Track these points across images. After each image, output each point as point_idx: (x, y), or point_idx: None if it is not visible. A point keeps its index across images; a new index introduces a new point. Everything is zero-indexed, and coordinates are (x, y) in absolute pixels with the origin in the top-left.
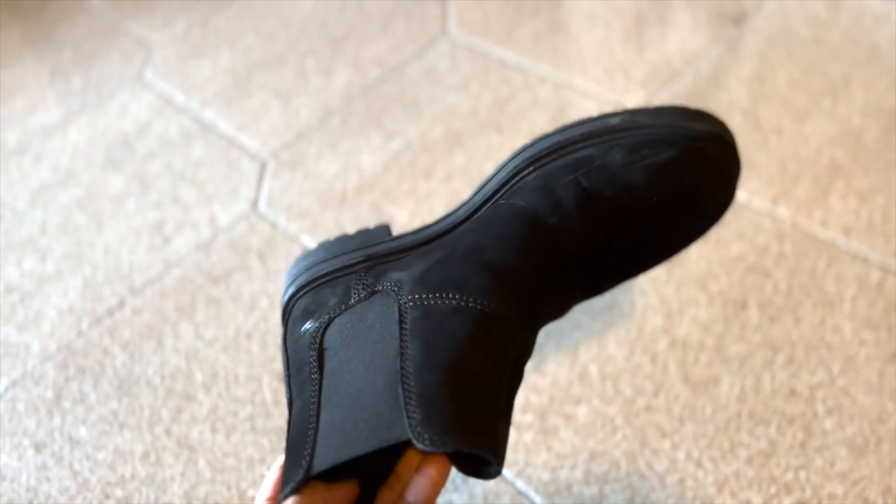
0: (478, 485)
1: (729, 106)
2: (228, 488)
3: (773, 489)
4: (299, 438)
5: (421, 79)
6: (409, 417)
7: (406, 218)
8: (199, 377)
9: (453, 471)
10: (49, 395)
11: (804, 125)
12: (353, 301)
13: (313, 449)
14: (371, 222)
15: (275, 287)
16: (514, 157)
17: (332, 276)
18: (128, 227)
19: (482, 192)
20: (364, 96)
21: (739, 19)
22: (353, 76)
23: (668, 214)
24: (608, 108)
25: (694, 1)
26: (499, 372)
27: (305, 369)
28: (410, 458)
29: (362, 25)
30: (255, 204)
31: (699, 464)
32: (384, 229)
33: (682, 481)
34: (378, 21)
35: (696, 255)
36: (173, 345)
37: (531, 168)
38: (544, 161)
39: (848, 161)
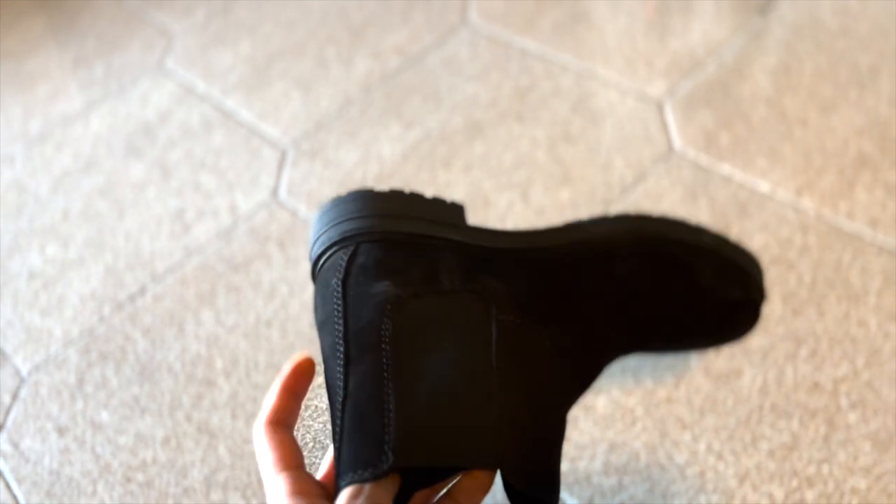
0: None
1: (753, 96)
2: (248, 474)
3: (794, 483)
4: (373, 417)
5: (441, 68)
6: (504, 450)
7: None
8: (219, 363)
9: None
10: (71, 379)
11: (830, 116)
12: (444, 287)
13: (395, 438)
14: None
15: (294, 275)
16: (619, 220)
17: (410, 240)
18: (149, 214)
19: (579, 231)
20: (384, 86)
21: (764, 9)
22: (372, 65)
23: (701, 330)
24: (630, 99)
25: None
26: (565, 415)
27: (374, 333)
28: (471, 484)
29: (382, 15)
30: (275, 192)
31: (720, 456)
32: (460, 211)
33: (702, 473)
34: (398, 10)
35: None
36: (194, 331)
37: (628, 239)
38: (643, 235)
39: (875, 152)
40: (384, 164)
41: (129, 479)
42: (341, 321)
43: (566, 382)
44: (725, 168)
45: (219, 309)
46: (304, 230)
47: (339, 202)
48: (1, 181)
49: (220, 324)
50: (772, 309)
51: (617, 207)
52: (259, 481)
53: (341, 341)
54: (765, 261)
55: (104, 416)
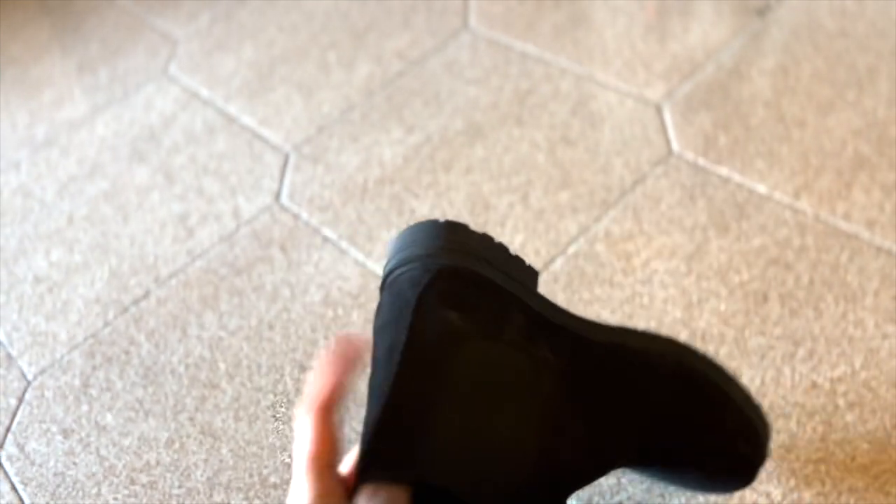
0: None
1: (751, 98)
2: (251, 475)
3: (792, 482)
4: (408, 425)
5: (442, 72)
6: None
7: (427, 211)
8: (222, 366)
9: None
10: (76, 382)
11: (828, 118)
12: (506, 337)
13: (428, 452)
14: (392, 215)
15: (296, 278)
16: (669, 343)
17: (487, 285)
18: (153, 218)
19: (629, 335)
20: (385, 90)
21: (763, 11)
22: (374, 70)
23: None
24: (629, 101)
25: None
26: None
27: (432, 354)
28: None
29: (384, 19)
30: (277, 196)
31: None
32: (534, 276)
33: None
34: (399, 15)
35: (716, 247)
36: (197, 334)
37: (670, 361)
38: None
39: (872, 154)
40: (385, 167)
41: (133, 481)
42: (405, 331)
43: (578, 464)
44: (724, 170)
45: (222, 312)
46: (307, 234)
47: (433, 226)
48: (7, 186)
49: (223, 327)
50: (770, 309)
51: (617, 210)
52: (261, 483)
53: (400, 349)
54: (763, 262)
55: (109, 418)
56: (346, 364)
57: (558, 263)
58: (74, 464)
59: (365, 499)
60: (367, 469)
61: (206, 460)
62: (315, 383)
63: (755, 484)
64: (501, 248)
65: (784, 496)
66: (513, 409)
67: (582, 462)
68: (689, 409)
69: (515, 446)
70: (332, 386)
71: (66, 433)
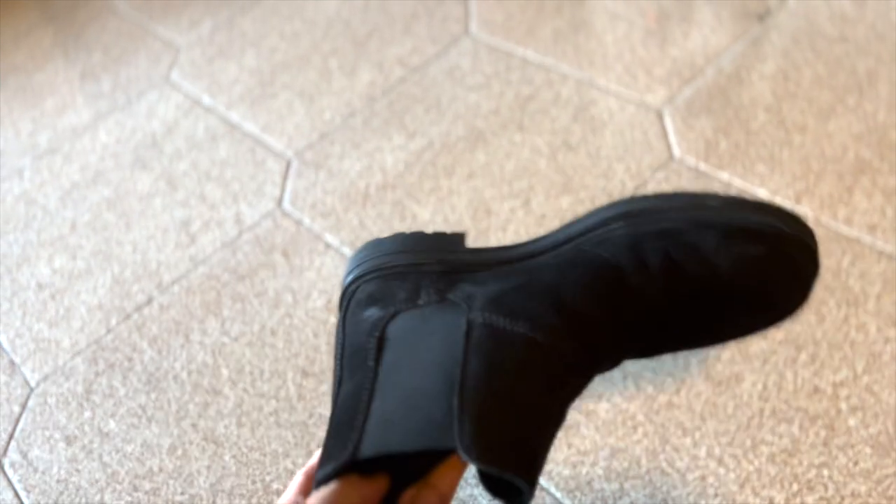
0: None
1: (752, 103)
2: (253, 482)
3: (795, 487)
4: (346, 421)
5: (443, 78)
6: (460, 429)
7: (428, 216)
8: (225, 372)
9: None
10: (79, 389)
11: (829, 122)
12: (421, 301)
13: (361, 434)
14: (394, 220)
15: (298, 284)
16: (604, 208)
17: (402, 270)
18: (155, 225)
19: (565, 231)
20: (387, 96)
21: (763, 16)
22: (375, 76)
23: (743, 304)
24: (630, 107)
25: None
26: (549, 407)
27: (361, 354)
28: (445, 469)
29: (385, 26)
30: (279, 202)
31: (721, 461)
32: (460, 238)
33: (703, 478)
34: (400, 22)
35: None
36: (200, 340)
37: (621, 223)
38: (635, 221)
39: (873, 158)
40: (387, 173)
41: (135, 488)
42: (340, 351)
43: (556, 375)
44: (725, 175)
45: (224, 318)
46: (309, 240)
47: (352, 255)
48: (10, 194)
49: (226, 333)
50: None
51: None
52: (264, 489)
53: (338, 367)
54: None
55: (111, 425)
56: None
57: None
58: (77, 470)
59: (316, 497)
60: (317, 473)
61: (208, 467)
62: (299, 474)
63: (758, 488)
64: (415, 235)
65: (787, 501)
66: (439, 353)
67: (564, 371)
68: (654, 260)
69: (447, 382)
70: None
71: (69, 440)
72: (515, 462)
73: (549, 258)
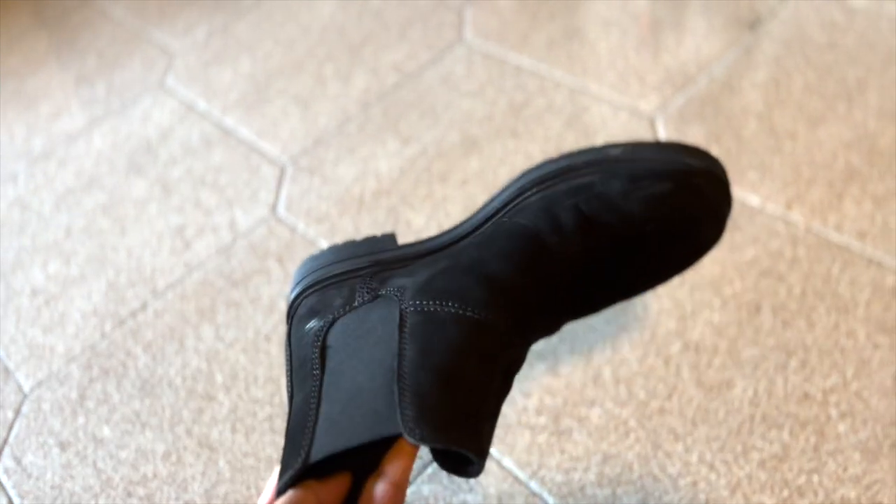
0: (491, 486)
1: (743, 111)
2: (248, 487)
3: (785, 493)
4: (298, 430)
5: (437, 85)
6: (402, 414)
7: (423, 222)
8: (219, 378)
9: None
10: (73, 395)
11: (819, 130)
12: (356, 303)
13: (311, 440)
14: (388, 227)
15: None
16: (518, 179)
17: (338, 279)
18: (150, 230)
19: (486, 210)
20: (381, 102)
21: (754, 24)
22: (370, 82)
23: (660, 244)
24: (623, 114)
25: (709, 6)
26: (488, 379)
27: (307, 365)
28: (395, 453)
29: (380, 32)
30: (274, 208)
31: (712, 467)
32: (390, 238)
33: (694, 484)
34: (395, 28)
35: (710, 259)
36: (194, 346)
37: (535, 189)
38: (547, 184)
39: (863, 165)
40: (382, 179)
41: (130, 494)
42: (289, 366)
43: (491, 347)
44: None
45: (219, 324)
46: (303, 246)
47: (294, 272)
48: (4, 199)
49: (220, 339)
50: (762, 320)
51: None
52: (258, 495)
53: (289, 382)
54: (755, 273)
55: (106, 431)
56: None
57: None
58: (71, 476)
59: None
60: (277, 484)
61: (203, 473)
62: (269, 485)
63: (749, 494)
64: (345, 245)
65: None
66: (377, 348)
67: (499, 346)
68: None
69: (386, 373)
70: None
71: (62, 446)
72: (459, 436)
73: (472, 238)
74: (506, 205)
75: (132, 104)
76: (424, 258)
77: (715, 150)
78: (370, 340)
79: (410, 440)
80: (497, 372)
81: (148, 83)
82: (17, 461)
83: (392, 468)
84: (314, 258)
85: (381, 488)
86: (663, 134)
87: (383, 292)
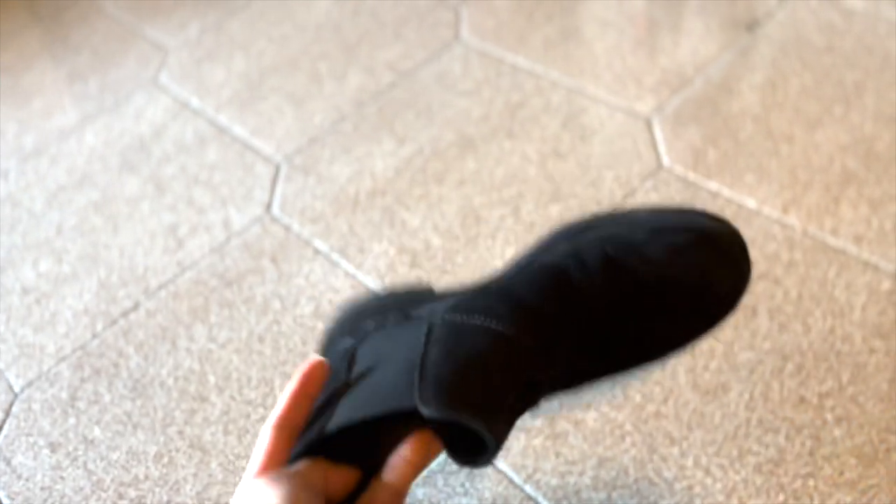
0: (486, 489)
1: (740, 113)
2: None
3: (781, 497)
4: (318, 413)
5: (433, 84)
6: (421, 389)
7: (418, 222)
8: (211, 379)
9: (461, 474)
10: (64, 395)
11: (816, 133)
12: (388, 324)
13: (330, 418)
14: (384, 227)
15: (287, 290)
16: (546, 236)
17: (374, 310)
18: (143, 229)
19: (517, 260)
20: (377, 101)
21: (752, 27)
22: (366, 81)
23: (680, 294)
24: (619, 115)
25: (706, 8)
26: (511, 380)
27: (335, 377)
28: (397, 463)
29: (375, 31)
30: (268, 207)
31: (707, 471)
32: (430, 290)
33: (690, 488)
34: (391, 27)
35: None
36: (187, 347)
37: (563, 243)
38: (574, 233)
39: (860, 169)
40: (377, 179)
41: (121, 496)
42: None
43: (513, 360)
44: (713, 184)
45: (212, 324)
46: (298, 245)
47: (339, 315)
48: None
49: (213, 339)
50: (759, 324)
51: None
52: None
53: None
54: (752, 276)
55: (97, 431)
56: (308, 383)
57: None
58: (62, 478)
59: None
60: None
61: (195, 474)
62: (279, 401)
63: (745, 498)
64: (388, 291)
65: None
66: (401, 355)
67: (538, 372)
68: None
69: (409, 367)
70: (291, 405)
71: (53, 447)
72: (472, 411)
73: (503, 277)
74: (536, 256)
75: (125, 101)
76: (457, 293)
77: (711, 153)
78: (397, 351)
79: (424, 411)
80: (521, 380)
81: (141, 80)
82: (7, 462)
83: (394, 476)
84: (353, 299)
85: (380, 497)
86: (660, 135)
87: (415, 313)
